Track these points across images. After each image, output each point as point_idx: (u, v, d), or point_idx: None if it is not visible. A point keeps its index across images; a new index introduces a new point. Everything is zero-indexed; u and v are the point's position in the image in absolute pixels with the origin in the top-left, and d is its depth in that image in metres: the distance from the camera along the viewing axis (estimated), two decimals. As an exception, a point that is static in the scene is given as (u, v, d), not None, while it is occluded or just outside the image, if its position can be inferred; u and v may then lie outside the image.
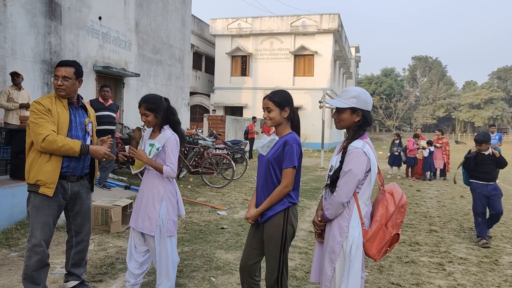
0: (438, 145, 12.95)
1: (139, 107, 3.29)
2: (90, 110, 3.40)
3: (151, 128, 3.36)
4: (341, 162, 2.39)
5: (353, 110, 2.41)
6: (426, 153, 12.46)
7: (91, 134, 3.29)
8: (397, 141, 13.04)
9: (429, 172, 12.67)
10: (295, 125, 2.74)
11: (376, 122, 67.15)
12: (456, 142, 46.30)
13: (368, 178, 2.36)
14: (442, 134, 13.78)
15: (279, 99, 2.65)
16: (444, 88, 68.44)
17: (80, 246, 3.38)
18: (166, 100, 3.37)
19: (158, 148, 3.21)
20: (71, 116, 3.14)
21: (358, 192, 2.37)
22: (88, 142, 3.20)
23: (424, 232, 6.08)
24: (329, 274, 2.38)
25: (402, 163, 13.04)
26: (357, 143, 2.37)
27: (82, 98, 3.36)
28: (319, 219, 2.51)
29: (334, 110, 2.55)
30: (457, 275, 4.29)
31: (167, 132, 3.28)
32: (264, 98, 2.71)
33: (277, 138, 2.68)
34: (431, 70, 73.09)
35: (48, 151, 2.94)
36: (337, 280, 2.36)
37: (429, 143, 12.71)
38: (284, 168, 2.58)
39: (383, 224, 2.34)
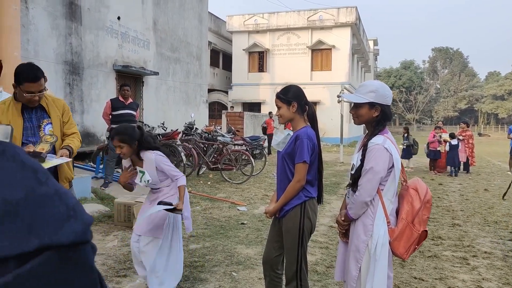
0: (461, 137, 12.63)
1: (112, 140, 3.19)
2: (53, 107, 3.06)
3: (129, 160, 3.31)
4: (362, 160, 2.33)
5: (371, 105, 2.34)
6: (447, 146, 12.16)
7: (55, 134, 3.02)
8: (405, 135, 12.97)
9: (451, 167, 12.20)
10: (310, 119, 2.72)
11: (395, 115, 66.24)
12: (479, 134, 45.26)
13: (391, 175, 2.29)
14: (468, 127, 13.37)
15: (285, 95, 2.66)
16: (466, 80, 66.93)
17: None
18: (140, 128, 3.29)
19: (148, 181, 3.21)
20: (26, 122, 2.94)
21: (382, 190, 2.30)
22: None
23: (447, 226, 5.99)
24: (355, 273, 2.33)
25: (411, 155, 12.99)
26: (377, 139, 2.31)
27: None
28: (343, 218, 2.45)
29: (351, 105, 2.50)
30: (481, 269, 4.22)
31: (148, 155, 3.22)
32: (275, 97, 2.73)
33: (291, 133, 2.69)
34: (452, 61, 71.52)
35: None
36: (362, 279, 2.31)
37: (452, 136, 12.36)
38: (296, 163, 2.58)
39: (409, 221, 2.27)
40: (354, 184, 2.38)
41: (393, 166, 2.29)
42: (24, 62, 8.66)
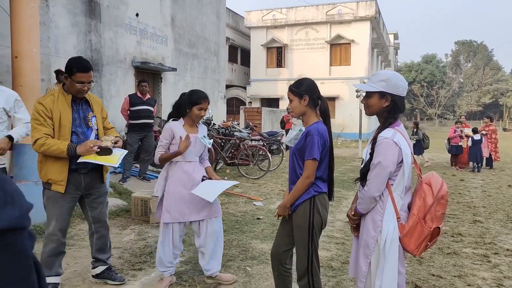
0: (484, 132, 12.30)
1: (204, 102, 3.45)
2: (95, 103, 3.36)
3: (181, 122, 3.49)
4: (371, 154, 2.27)
5: (382, 94, 2.27)
6: (470, 141, 11.86)
7: (96, 128, 3.29)
8: (415, 130, 12.77)
9: (473, 163, 11.84)
10: (322, 113, 2.67)
11: (417, 110, 64.99)
12: (504, 129, 44.04)
13: (401, 170, 2.22)
14: (491, 121, 13.03)
15: (297, 88, 2.63)
16: (491, 73, 65.09)
17: (101, 231, 3.49)
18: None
19: (210, 143, 3.58)
20: (74, 113, 3.17)
21: (392, 185, 2.24)
22: (92, 137, 3.22)
23: (467, 222, 5.85)
24: (364, 269, 2.30)
25: (423, 150, 12.74)
26: (386, 133, 2.24)
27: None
28: (353, 213, 2.42)
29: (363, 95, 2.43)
30: (503, 267, 4.10)
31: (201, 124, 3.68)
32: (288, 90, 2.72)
33: (303, 129, 2.65)
34: (476, 55, 69.68)
35: (40, 153, 3.05)
36: (372, 275, 2.28)
37: (474, 131, 12.05)
38: (305, 160, 2.55)
39: (420, 217, 2.19)
40: (363, 178, 2.33)
41: (402, 161, 2.21)
42: (44, 59, 8.80)
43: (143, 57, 11.72)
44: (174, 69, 12.90)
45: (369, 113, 2.40)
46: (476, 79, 64.52)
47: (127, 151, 3.33)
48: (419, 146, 12.55)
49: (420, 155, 12.76)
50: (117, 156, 3.16)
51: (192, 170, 3.43)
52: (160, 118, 10.63)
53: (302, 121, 2.67)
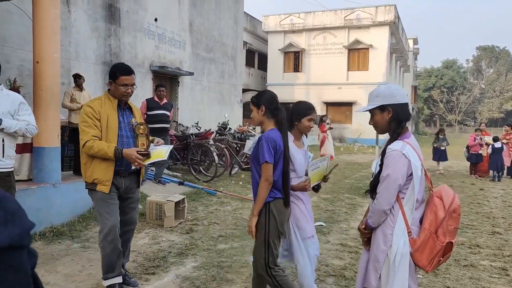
0: (505, 141, 12.01)
1: (314, 112, 3.22)
2: (136, 110, 3.54)
3: (290, 137, 3.08)
4: (381, 166, 2.26)
5: (382, 108, 2.30)
6: (490, 150, 11.61)
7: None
8: (442, 136, 12.51)
9: (493, 172, 11.56)
10: (279, 122, 2.85)
11: (436, 116, 63.95)
12: (527, 137, 42.94)
13: (412, 183, 2.19)
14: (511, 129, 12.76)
15: (256, 99, 2.88)
16: (513, 80, 63.66)
17: (127, 235, 3.56)
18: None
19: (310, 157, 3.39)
20: (119, 117, 3.31)
21: (402, 198, 2.22)
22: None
23: (486, 234, 5.72)
24: (374, 284, 2.28)
25: (447, 157, 12.55)
26: (395, 145, 2.23)
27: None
28: (363, 226, 2.40)
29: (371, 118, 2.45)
30: (522, 281, 3.99)
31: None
32: None
33: (257, 136, 2.82)
34: (498, 60, 68.23)
35: (88, 154, 3.15)
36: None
37: (495, 139, 11.77)
38: (260, 164, 2.73)
39: (432, 232, 2.15)
40: (372, 191, 2.32)
41: (412, 173, 2.19)
42: (64, 63, 8.98)
43: (161, 62, 11.87)
44: (191, 73, 13.02)
45: (379, 131, 2.40)
46: (498, 85, 63.14)
47: (172, 146, 3.47)
48: (444, 154, 12.39)
49: (440, 162, 12.57)
50: (165, 150, 3.35)
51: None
52: (176, 122, 10.74)
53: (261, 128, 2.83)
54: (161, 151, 3.34)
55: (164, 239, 4.96)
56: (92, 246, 4.59)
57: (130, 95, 3.35)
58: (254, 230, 2.77)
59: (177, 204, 5.70)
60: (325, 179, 3.27)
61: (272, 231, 2.74)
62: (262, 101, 2.85)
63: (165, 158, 3.33)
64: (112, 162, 3.19)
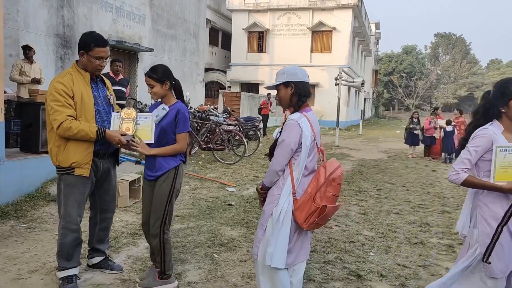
0: (453, 123, 12.51)
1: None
2: (108, 82, 3.28)
3: (499, 127, 2.44)
4: (281, 132, 2.55)
5: (286, 84, 2.57)
6: (442, 133, 12.07)
7: (114, 107, 3.21)
8: (416, 119, 12.77)
9: (445, 154, 12.14)
10: (177, 93, 3.11)
11: (395, 100, 65.85)
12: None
13: (302, 151, 2.47)
14: (461, 114, 13.35)
15: (158, 75, 2.95)
16: (467, 67, 66.37)
17: (105, 222, 3.36)
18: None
19: None
20: (94, 91, 3.02)
21: (293, 164, 2.51)
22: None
23: (436, 213, 5.94)
24: (260, 236, 2.58)
25: (420, 142, 12.80)
26: (294, 116, 2.52)
27: None
28: (260, 187, 2.66)
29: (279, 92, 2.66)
30: (466, 257, 4.17)
31: None
32: (145, 75, 3.01)
33: (167, 107, 2.98)
34: (454, 47, 70.78)
35: (65, 137, 2.85)
36: (267, 240, 2.53)
37: (449, 122, 12.24)
38: (179, 133, 2.97)
39: (312, 195, 2.45)
40: (271, 154, 2.59)
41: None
42: (12, 33, 8.42)
43: (119, 36, 11.38)
44: (151, 50, 12.60)
45: (283, 105, 2.66)
46: (453, 72, 65.69)
47: (151, 118, 2.99)
48: (418, 138, 12.70)
49: (413, 147, 12.88)
50: (149, 130, 2.96)
51: None
52: (135, 99, 10.39)
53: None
54: (146, 131, 2.96)
55: (117, 219, 4.80)
56: (40, 227, 4.37)
57: (103, 68, 3.07)
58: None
59: (132, 183, 5.53)
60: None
61: (176, 191, 3.05)
62: (165, 76, 2.97)
63: (152, 141, 2.96)
64: (91, 142, 2.91)
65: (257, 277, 2.67)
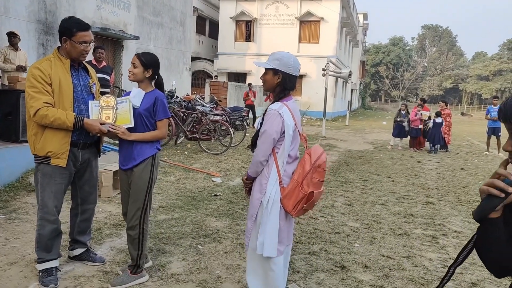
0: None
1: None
2: (91, 70, 3.18)
3: None
4: (262, 123, 2.57)
5: (275, 72, 2.55)
6: (431, 124, 12.15)
7: (96, 96, 3.10)
8: (404, 112, 12.75)
9: (430, 144, 12.24)
10: (158, 85, 3.09)
11: (382, 92, 66.29)
12: (462, 114, 45.80)
13: (285, 139, 2.50)
14: (446, 105, 13.46)
15: (146, 60, 2.94)
16: (453, 59, 67.09)
17: (86, 214, 3.28)
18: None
19: None
20: (74, 79, 2.92)
21: (277, 152, 2.53)
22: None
23: (420, 204, 5.99)
24: (250, 226, 2.62)
25: (407, 134, 12.81)
26: (275, 105, 2.53)
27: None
28: (245, 177, 2.69)
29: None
30: (449, 248, 4.21)
31: None
32: (134, 55, 2.99)
33: (143, 92, 2.95)
34: (440, 40, 71.40)
35: (41, 124, 2.76)
36: (257, 230, 2.57)
37: (438, 114, 12.30)
38: (160, 120, 2.95)
39: (299, 182, 2.48)
40: (254, 145, 2.62)
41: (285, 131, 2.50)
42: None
43: (103, 23, 11.13)
44: (136, 37, 12.35)
45: (265, 88, 2.66)
46: (439, 64, 66.32)
47: (128, 101, 2.90)
48: (402, 131, 12.55)
49: (400, 139, 12.83)
50: (127, 113, 2.88)
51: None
52: (119, 88, 10.20)
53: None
54: (124, 116, 2.89)
55: (100, 209, 4.72)
56: (20, 218, 4.27)
57: (87, 54, 2.99)
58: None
59: (116, 173, 5.44)
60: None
61: (154, 180, 3.02)
62: (151, 64, 2.95)
63: (132, 125, 2.88)
64: (69, 132, 2.82)
65: (248, 267, 2.71)
